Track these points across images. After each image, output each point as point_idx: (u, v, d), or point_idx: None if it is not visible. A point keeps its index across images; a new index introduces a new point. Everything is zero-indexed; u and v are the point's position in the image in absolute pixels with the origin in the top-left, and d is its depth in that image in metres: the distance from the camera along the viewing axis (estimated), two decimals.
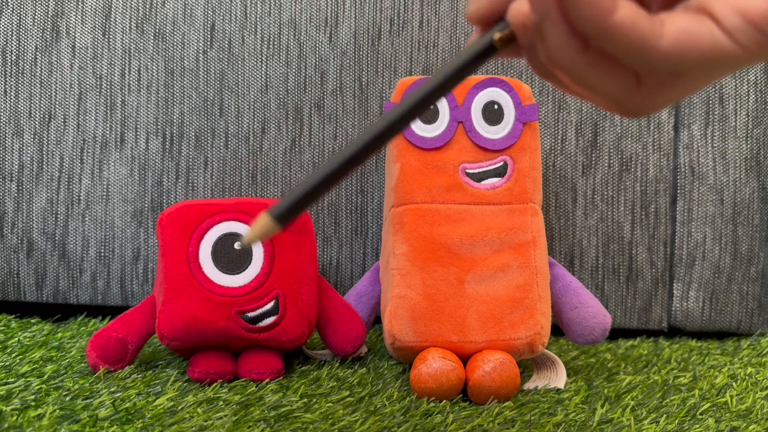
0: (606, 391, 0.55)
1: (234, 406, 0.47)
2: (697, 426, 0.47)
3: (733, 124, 0.74)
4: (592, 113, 0.73)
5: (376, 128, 0.27)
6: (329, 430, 0.44)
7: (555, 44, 0.26)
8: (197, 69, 0.72)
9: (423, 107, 0.27)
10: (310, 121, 0.72)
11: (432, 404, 0.50)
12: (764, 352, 0.68)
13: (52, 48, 0.72)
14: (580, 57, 0.26)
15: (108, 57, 0.72)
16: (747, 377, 0.59)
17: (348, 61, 0.72)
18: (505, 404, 0.51)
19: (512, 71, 0.73)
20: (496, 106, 0.59)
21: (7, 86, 0.72)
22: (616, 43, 0.25)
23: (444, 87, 0.27)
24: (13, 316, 0.71)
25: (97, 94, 0.72)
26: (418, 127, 0.59)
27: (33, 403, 0.45)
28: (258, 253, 0.56)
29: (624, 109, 0.28)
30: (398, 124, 0.27)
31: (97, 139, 0.72)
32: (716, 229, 0.74)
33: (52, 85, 0.72)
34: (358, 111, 0.72)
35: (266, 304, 0.55)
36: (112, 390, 0.49)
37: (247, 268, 0.55)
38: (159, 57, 0.72)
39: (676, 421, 0.48)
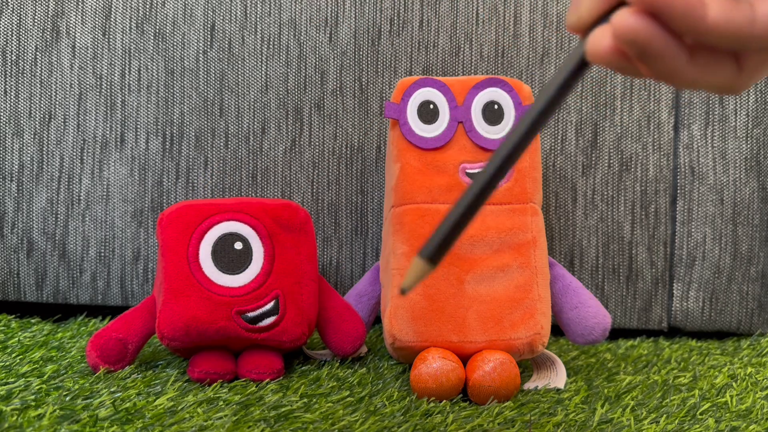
0: (606, 391, 0.55)
1: (234, 406, 0.47)
2: (697, 426, 0.47)
3: (733, 124, 0.74)
4: (592, 113, 0.73)
5: (492, 165, 0.28)
6: (329, 430, 0.44)
7: (665, 62, 0.26)
8: (197, 69, 0.72)
9: (530, 137, 0.28)
10: (310, 121, 0.72)
11: (432, 404, 0.50)
12: (764, 352, 0.68)
13: (52, 48, 0.72)
14: (688, 65, 0.27)
15: (108, 57, 0.73)
16: (747, 377, 0.59)
17: (348, 61, 0.72)
18: (505, 404, 0.51)
19: (512, 71, 0.73)
20: (496, 106, 0.59)
21: (7, 86, 0.72)
22: (714, 41, 0.26)
23: (547, 111, 0.28)
24: (13, 316, 0.71)
25: (97, 94, 0.72)
26: (418, 127, 0.59)
27: (33, 403, 0.45)
28: (258, 253, 0.56)
29: (726, 91, 0.29)
30: (514, 153, 0.28)
31: (97, 139, 0.72)
32: (716, 229, 0.74)
33: (52, 85, 0.72)
34: (358, 111, 0.72)
35: (266, 304, 0.55)
36: (112, 390, 0.49)
37: (247, 268, 0.55)
38: (159, 57, 0.72)
39: (676, 421, 0.48)
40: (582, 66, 0.28)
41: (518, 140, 0.28)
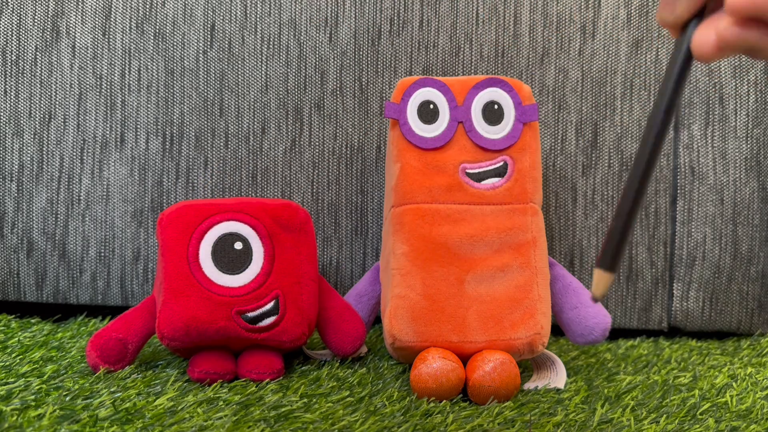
0: (606, 391, 0.55)
1: (234, 406, 0.47)
2: (697, 426, 0.47)
3: (733, 124, 0.74)
4: (592, 113, 0.73)
5: (638, 164, 0.30)
6: (329, 430, 0.44)
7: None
8: (197, 69, 0.72)
9: (662, 138, 0.30)
10: (310, 121, 0.72)
11: (432, 404, 0.50)
12: (764, 352, 0.68)
13: (52, 48, 0.72)
14: None
15: (108, 57, 0.72)
16: (747, 377, 0.59)
17: (348, 61, 0.72)
18: (505, 404, 0.51)
19: (512, 71, 0.73)
20: (496, 106, 0.59)
21: (7, 86, 0.72)
22: None
23: (670, 109, 0.30)
24: (13, 316, 0.71)
25: (97, 94, 0.72)
26: (418, 127, 0.59)
27: (33, 403, 0.45)
28: (258, 253, 0.56)
29: None
30: (652, 158, 0.30)
31: (97, 139, 0.72)
32: (716, 229, 0.74)
33: (52, 85, 0.72)
34: (358, 111, 0.72)
35: (266, 304, 0.55)
36: (112, 390, 0.49)
37: (247, 268, 0.55)
38: (159, 57, 0.72)
39: (676, 421, 0.48)
40: (688, 62, 0.30)
41: (654, 142, 0.30)
